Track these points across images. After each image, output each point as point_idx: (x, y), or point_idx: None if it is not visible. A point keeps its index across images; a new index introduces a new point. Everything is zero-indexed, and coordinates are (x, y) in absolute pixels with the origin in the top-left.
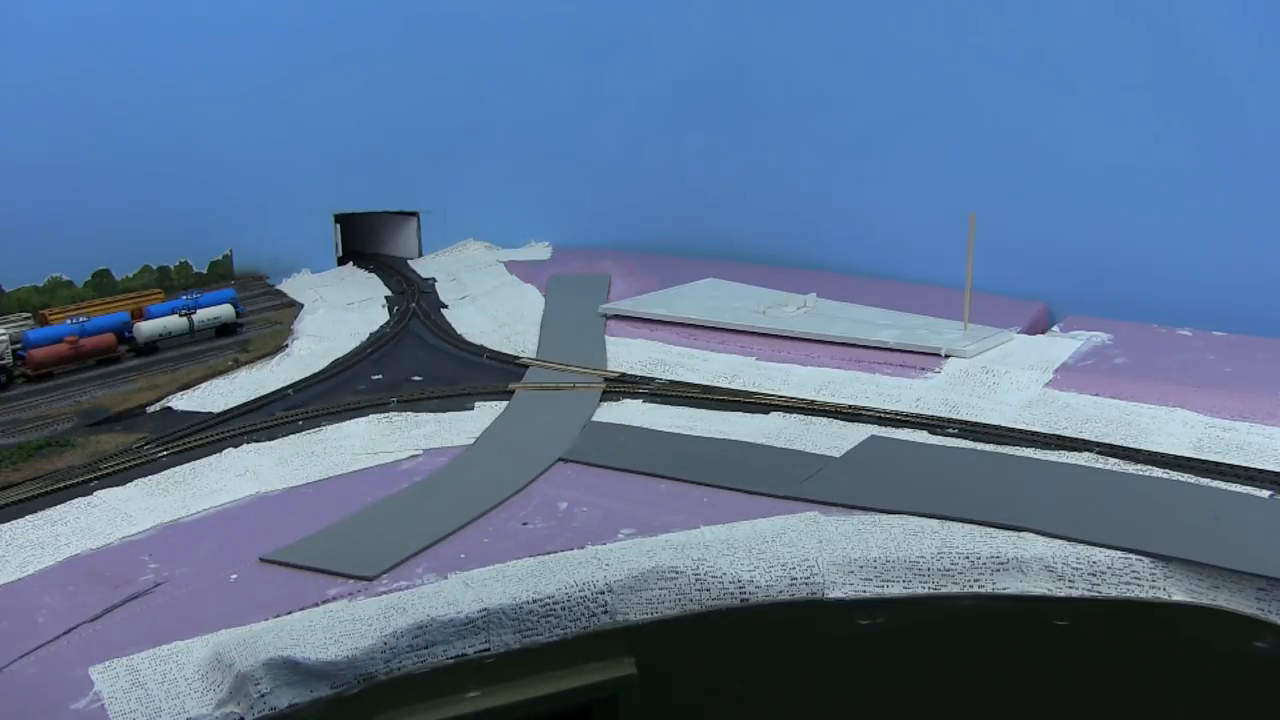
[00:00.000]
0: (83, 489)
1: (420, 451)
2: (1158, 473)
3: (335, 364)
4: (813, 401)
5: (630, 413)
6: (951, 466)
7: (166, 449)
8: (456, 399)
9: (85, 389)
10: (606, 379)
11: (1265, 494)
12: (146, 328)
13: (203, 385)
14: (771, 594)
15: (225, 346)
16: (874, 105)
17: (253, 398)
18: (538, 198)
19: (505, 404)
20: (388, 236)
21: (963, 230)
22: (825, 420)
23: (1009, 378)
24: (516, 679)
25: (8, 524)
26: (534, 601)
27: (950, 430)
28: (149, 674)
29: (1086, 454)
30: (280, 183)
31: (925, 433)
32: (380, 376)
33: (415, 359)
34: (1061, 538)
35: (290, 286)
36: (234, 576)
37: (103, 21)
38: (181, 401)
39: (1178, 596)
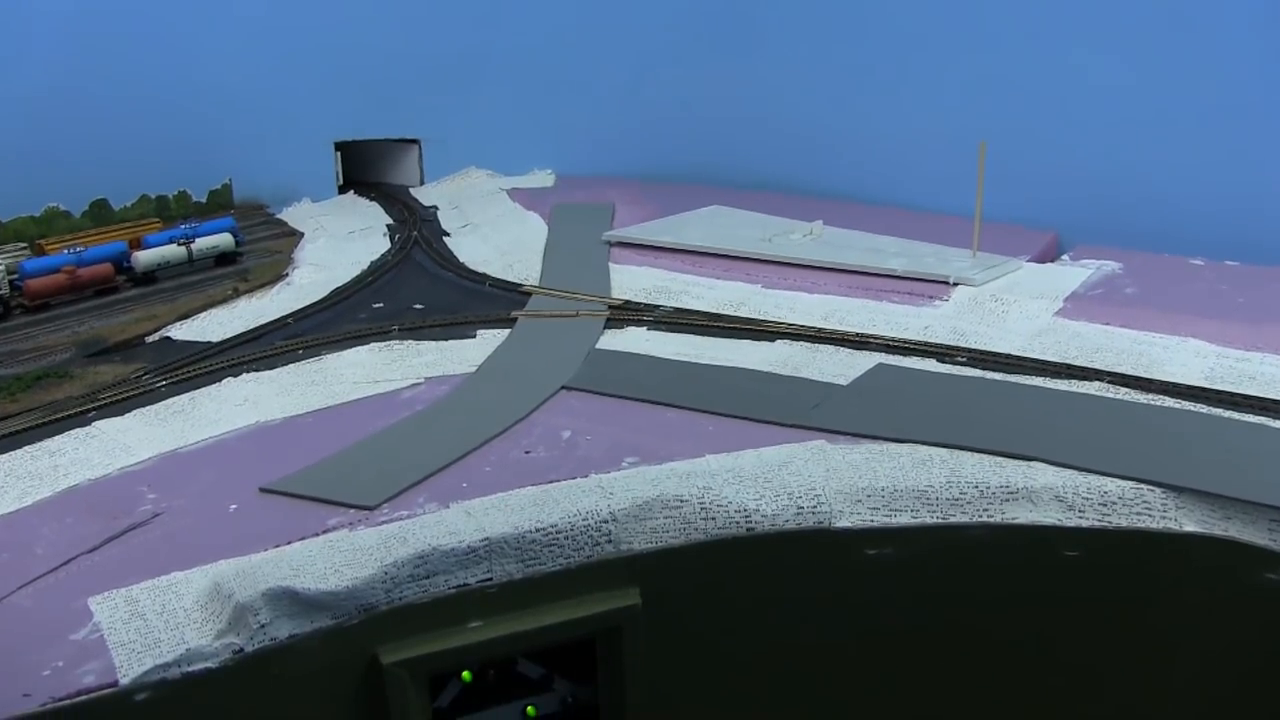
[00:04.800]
0: (81, 420)
1: (422, 380)
2: (1169, 402)
3: (336, 293)
4: (819, 329)
5: (634, 340)
6: (960, 395)
7: (165, 379)
8: (459, 327)
9: (83, 319)
10: (610, 306)
11: (1278, 424)
12: (144, 257)
13: (202, 315)
14: (778, 523)
15: (224, 276)
16: (883, 30)
17: (252, 327)
18: (541, 125)
19: (508, 332)
20: (389, 165)
21: (972, 158)
22: (832, 348)
23: (1018, 306)
24: (519, 609)
25: (5, 455)
26: (537, 530)
27: (959, 359)
28: (148, 605)
29: (1097, 383)
30: (280, 111)
31: (933, 361)
32: (381, 305)
33: (417, 288)
34: (1072, 467)
35: (290, 215)
36: (233, 507)
37: None
38: (180, 331)
39: (1189, 527)
